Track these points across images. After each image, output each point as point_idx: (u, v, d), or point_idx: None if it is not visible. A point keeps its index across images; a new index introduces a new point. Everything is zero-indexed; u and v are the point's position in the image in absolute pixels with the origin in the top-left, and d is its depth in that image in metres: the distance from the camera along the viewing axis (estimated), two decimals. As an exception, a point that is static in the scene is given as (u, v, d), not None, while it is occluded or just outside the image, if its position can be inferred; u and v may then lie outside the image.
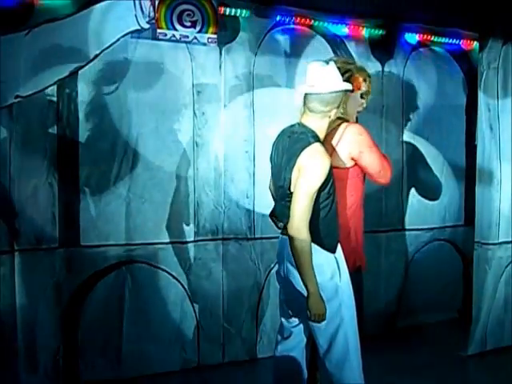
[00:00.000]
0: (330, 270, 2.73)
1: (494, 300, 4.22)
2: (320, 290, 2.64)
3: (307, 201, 2.61)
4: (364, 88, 3.15)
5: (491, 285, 4.21)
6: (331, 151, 2.91)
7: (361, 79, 3.13)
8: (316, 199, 2.64)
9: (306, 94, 2.75)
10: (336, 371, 2.78)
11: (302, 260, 2.61)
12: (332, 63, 2.77)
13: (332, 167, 2.68)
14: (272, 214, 2.94)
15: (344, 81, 2.82)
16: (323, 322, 2.67)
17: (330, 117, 2.75)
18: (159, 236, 3.90)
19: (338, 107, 2.76)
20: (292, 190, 2.67)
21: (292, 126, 2.84)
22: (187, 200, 3.96)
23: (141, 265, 3.86)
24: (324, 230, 2.72)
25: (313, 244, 2.65)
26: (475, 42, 4.69)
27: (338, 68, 2.79)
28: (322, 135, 2.76)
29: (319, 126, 2.74)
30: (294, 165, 2.66)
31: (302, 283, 2.65)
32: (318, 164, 2.62)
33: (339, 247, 2.81)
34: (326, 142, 2.85)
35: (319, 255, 2.68)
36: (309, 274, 2.61)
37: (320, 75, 2.70)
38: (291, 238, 2.62)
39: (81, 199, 3.69)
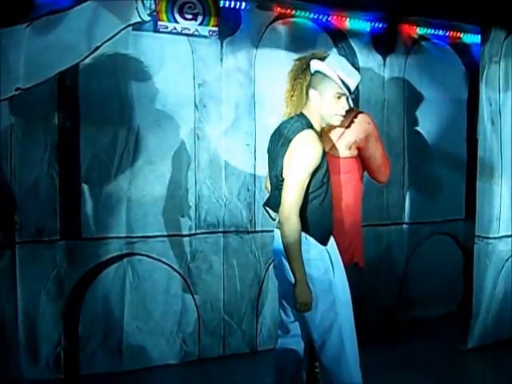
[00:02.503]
0: (324, 265, 2.70)
1: (494, 294, 4.22)
2: (313, 285, 2.63)
3: (297, 187, 2.57)
4: None
5: (491, 278, 4.21)
6: (338, 138, 2.91)
7: None
8: (308, 187, 2.61)
9: None
10: (332, 366, 2.76)
11: (290, 248, 2.58)
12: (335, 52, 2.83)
13: (325, 154, 2.65)
14: (266, 204, 2.90)
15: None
16: (318, 317, 2.68)
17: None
18: (160, 229, 3.90)
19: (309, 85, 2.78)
20: (284, 176, 2.65)
21: (292, 117, 2.85)
22: (188, 193, 3.97)
23: (142, 257, 3.87)
24: (316, 220, 2.68)
25: (307, 237, 2.64)
26: (477, 36, 4.67)
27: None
28: (316, 122, 2.72)
29: (314, 113, 2.73)
30: (285, 151, 2.64)
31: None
32: (308, 149, 2.59)
33: (332, 241, 2.77)
34: (333, 130, 2.84)
35: (313, 249, 2.66)
36: (297, 262, 2.58)
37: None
38: (281, 225, 2.59)
39: (82, 192, 3.69)
